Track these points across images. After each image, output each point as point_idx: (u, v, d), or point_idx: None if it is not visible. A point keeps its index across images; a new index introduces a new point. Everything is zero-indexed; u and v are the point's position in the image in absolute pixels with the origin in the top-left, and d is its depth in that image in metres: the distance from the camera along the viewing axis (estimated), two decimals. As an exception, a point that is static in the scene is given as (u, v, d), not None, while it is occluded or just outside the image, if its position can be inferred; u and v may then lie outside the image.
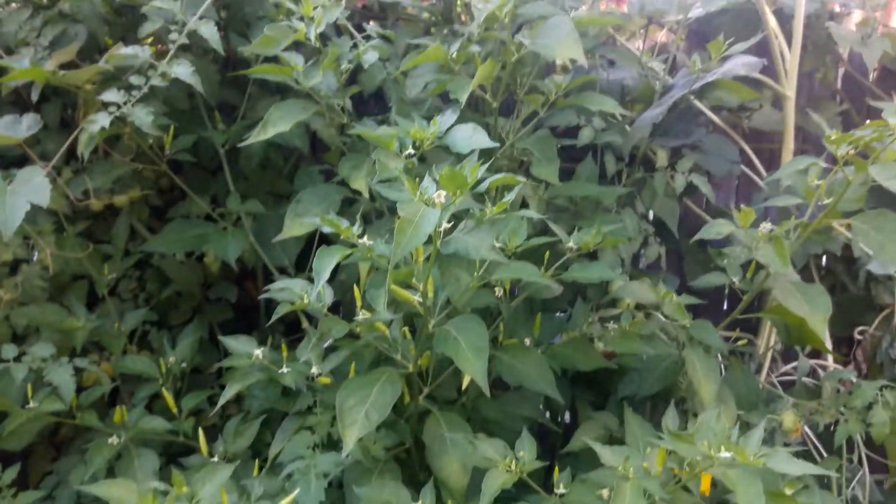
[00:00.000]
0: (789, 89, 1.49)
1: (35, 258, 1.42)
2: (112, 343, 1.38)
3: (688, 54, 1.52)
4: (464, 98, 1.16)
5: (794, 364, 1.60)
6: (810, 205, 1.14)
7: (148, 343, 1.55)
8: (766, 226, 1.12)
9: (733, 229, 1.13)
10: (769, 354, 1.52)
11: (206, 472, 0.99)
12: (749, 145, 1.57)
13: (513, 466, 1.01)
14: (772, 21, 1.48)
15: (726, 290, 1.65)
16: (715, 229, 1.13)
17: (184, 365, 1.42)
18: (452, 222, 0.96)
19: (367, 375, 1.07)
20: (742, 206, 1.26)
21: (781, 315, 1.24)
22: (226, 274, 1.61)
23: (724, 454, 0.88)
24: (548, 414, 1.50)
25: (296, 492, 1.06)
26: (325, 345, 1.08)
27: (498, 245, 1.04)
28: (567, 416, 1.63)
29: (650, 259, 1.42)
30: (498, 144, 1.15)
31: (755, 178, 1.56)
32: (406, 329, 1.15)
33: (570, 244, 1.14)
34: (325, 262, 0.93)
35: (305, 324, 1.31)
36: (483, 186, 0.84)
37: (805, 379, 1.57)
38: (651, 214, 1.53)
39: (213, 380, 1.55)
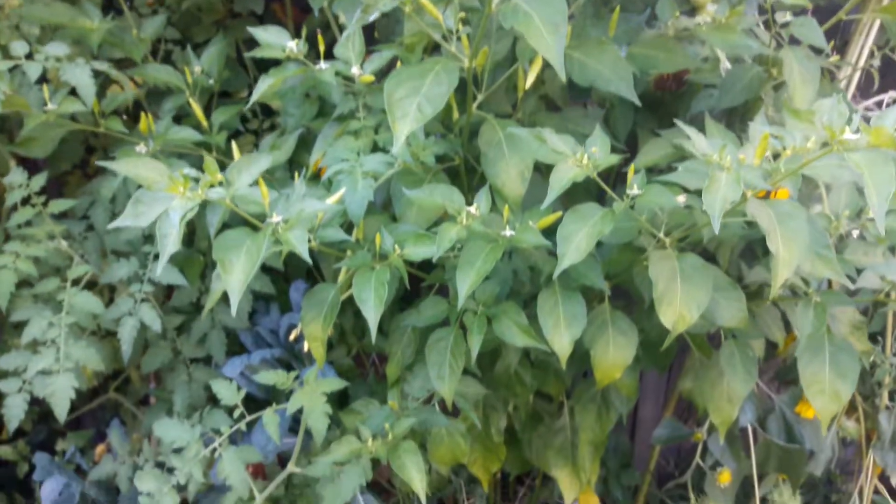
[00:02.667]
0: None
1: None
2: (132, 50, 1.21)
3: None
4: None
5: (881, 97, 1.41)
6: None
7: (172, 62, 1.38)
8: None
9: None
10: (856, 77, 1.32)
11: (243, 161, 0.86)
12: None
13: (584, 161, 0.86)
14: None
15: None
16: None
17: (211, 81, 1.26)
18: None
19: (420, 64, 0.90)
20: None
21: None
22: (250, -16, 1.41)
23: (851, 134, 0.72)
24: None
25: (342, 190, 0.94)
26: (371, 18, 0.89)
27: None
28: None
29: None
30: None
31: None
32: (462, 15, 0.96)
33: None
34: None
35: (343, 19, 1.12)
36: None
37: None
38: None
39: (243, 104, 1.40)
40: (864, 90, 1.43)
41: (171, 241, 0.80)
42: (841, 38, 1.37)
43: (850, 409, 1.54)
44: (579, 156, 0.86)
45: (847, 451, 1.71)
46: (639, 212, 0.94)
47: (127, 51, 1.22)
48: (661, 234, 0.95)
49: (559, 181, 0.84)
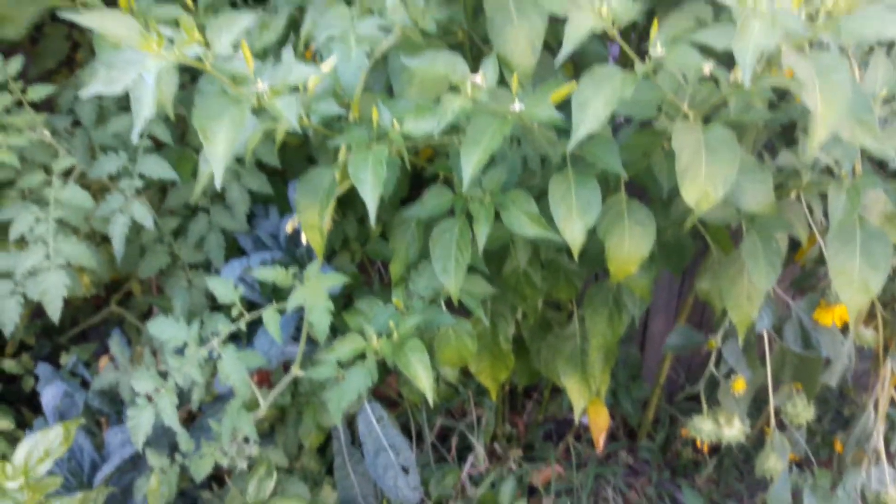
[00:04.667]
0: None
1: None
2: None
3: None
4: None
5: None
6: None
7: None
8: None
9: None
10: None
11: (223, 19, 0.76)
12: None
13: (603, 13, 0.76)
14: None
15: None
16: None
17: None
18: None
19: None
20: None
21: None
22: None
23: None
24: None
25: (334, 57, 0.84)
26: None
27: None
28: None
29: None
30: None
31: None
32: None
33: None
34: None
35: None
36: None
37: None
38: None
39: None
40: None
41: (146, 105, 0.71)
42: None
43: (869, 316, 1.46)
44: (598, 5, 0.75)
45: (861, 363, 1.64)
46: (661, 83, 0.84)
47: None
48: (685, 107, 0.85)
49: (576, 32, 0.73)
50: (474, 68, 1.07)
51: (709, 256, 1.22)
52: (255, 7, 1.28)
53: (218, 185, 0.73)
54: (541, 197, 1.01)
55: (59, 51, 1.30)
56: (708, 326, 1.76)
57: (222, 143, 0.73)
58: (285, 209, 1.29)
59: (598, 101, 0.77)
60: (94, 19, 0.70)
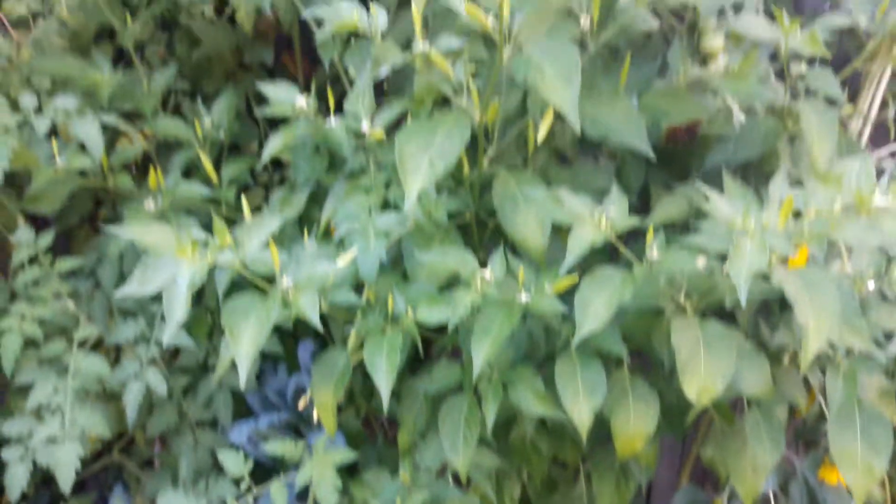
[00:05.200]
0: None
1: (52, 14, 1.21)
2: (142, 103, 1.19)
3: None
4: None
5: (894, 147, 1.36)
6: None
7: (182, 115, 1.36)
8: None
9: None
10: (868, 128, 1.28)
11: (253, 223, 0.83)
12: None
13: (602, 223, 0.83)
14: None
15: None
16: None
17: (221, 134, 1.24)
18: None
19: (430, 119, 0.88)
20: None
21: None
22: (260, 37, 1.40)
23: (882, 199, 0.69)
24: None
25: (353, 251, 0.90)
26: (382, 73, 0.87)
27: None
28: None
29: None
30: None
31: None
32: (473, 66, 0.93)
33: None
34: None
35: (353, 72, 1.10)
36: None
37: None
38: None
39: (253, 157, 1.38)
40: (876, 139, 1.39)
41: (178, 309, 0.76)
42: (850, 88, 1.33)
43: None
44: (597, 218, 0.82)
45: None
46: (657, 273, 0.90)
47: (137, 103, 1.20)
48: (682, 299, 0.91)
49: (578, 245, 0.80)
50: (480, 239, 1.14)
51: (706, 419, 1.24)
52: (272, 173, 1.38)
53: (242, 384, 0.76)
54: (545, 362, 1.04)
55: (83, 208, 1.37)
56: (712, 479, 1.75)
57: (248, 341, 0.78)
58: (294, 367, 1.32)
59: (599, 301, 0.82)
60: (135, 231, 0.77)
